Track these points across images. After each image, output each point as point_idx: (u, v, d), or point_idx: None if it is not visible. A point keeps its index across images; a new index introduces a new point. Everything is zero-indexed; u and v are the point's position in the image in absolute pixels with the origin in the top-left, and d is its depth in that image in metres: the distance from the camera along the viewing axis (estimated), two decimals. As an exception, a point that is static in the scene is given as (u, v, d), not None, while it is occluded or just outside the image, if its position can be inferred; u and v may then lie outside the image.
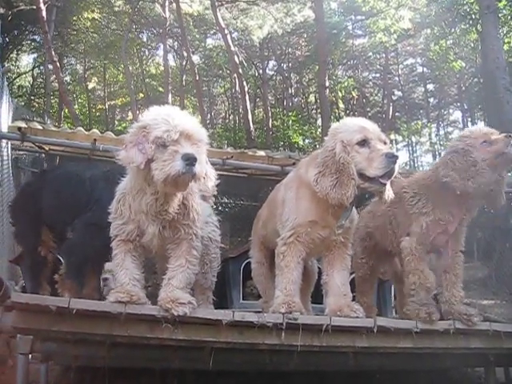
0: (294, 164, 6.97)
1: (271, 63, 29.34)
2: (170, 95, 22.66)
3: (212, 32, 26.34)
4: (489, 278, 14.52)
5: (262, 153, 8.26)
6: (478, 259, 16.42)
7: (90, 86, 28.06)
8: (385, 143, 3.38)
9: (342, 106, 27.53)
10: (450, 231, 3.89)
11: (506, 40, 20.29)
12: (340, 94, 25.23)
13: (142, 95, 26.81)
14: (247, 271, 7.05)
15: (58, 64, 18.69)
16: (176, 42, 26.94)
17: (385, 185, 3.35)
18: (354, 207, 3.67)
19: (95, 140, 7.10)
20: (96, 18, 22.76)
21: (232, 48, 20.00)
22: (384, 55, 29.10)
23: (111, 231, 3.33)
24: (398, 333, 3.34)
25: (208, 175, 3.11)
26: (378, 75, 31.70)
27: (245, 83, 20.82)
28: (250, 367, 3.88)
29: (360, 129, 3.39)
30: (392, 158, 3.23)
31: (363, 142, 3.34)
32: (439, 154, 34.27)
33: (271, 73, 29.42)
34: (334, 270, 3.60)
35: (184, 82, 26.28)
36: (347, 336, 3.30)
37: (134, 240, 3.29)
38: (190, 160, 2.83)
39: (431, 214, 3.80)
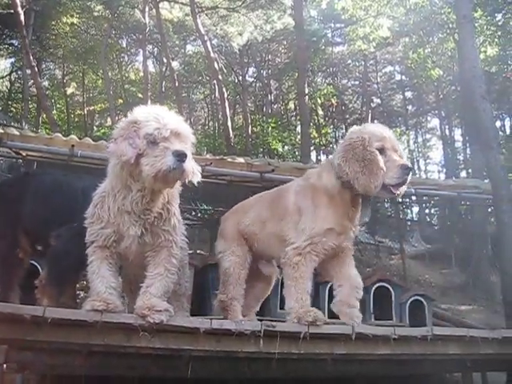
0: (273, 171, 6.99)
1: (251, 70, 29.41)
2: (149, 101, 22.48)
3: (192, 38, 26.28)
4: (466, 284, 14.69)
5: (241, 159, 8.27)
6: (456, 265, 16.60)
7: (69, 91, 27.81)
8: (396, 151, 3.56)
9: (321, 112, 27.61)
10: None
11: (482, 49, 20.58)
12: (319, 101, 25.28)
13: (121, 101, 26.62)
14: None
15: (36, 69, 18.51)
16: (156, 48, 26.84)
17: (395, 194, 3.54)
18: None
19: (73, 146, 7.06)
20: (75, 22, 22.54)
21: (212, 54, 19.98)
22: (363, 63, 29.30)
23: (87, 237, 3.29)
24: (377, 339, 3.35)
25: (195, 171, 3.10)
26: (357, 82, 31.93)
27: (224, 90, 20.79)
28: (228, 375, 3.85)
29: (380, 137, 3.55)
30: (406, 170, 3.45)
31: (381, 150, 3.50)
32: (417, 160, 34.65)
33: (251, 79, 29.44)
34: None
35: (163, 88, 26.18)
36: (326, 343, 3.30)
37: (110, 246, 3.26)
38: (181, 156, 2.90)
39: None
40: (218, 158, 8.44)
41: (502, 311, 8.08)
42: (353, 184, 3.48)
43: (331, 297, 6.83)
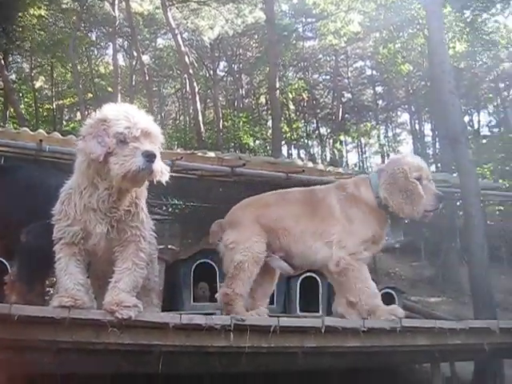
0: (244, 165, 6.97)
1: (222, 64, 29.29)
2: (119, 95, 22.31)
3: (162, 32, 26.08)
4: (435, 277, 14.89)
5: (211, 154, 8.23)
6: (426, 258, 16.81)
7: (37, 84, 27.33)
8: (430, 180, 4.04)
9: (292, 107, 27.70)
10: None
11: (451, 45, 20.80)
12: (290, 96, 25.34)
13: (90, 95, 26.28)
14: (198, 273, 7.05)
15: (2, 62, 18.23)
16: (126, 42, 26.57)
17: (427, 218, 4.04)
18: None
19: (41, 141, 6.94)
20: (43, 14, 22.11)
21: (182, 48, 19.89)
22: (334, 57, 29.42)
23: (54, 234, 3.25)
24: (346, 332, 3.37)
25: (163, 172, 3.09)
26: (327, 77, 32.05)
27: (195, 84, 20.73)
28: (199, 370, 3.85)
29: (418, 167, 4.00)
30: (440, 198, 3.98)
31: (418, 179, 3.94)
32: (387, 155, 34.94)
33: (222, 74, 29.40)
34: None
35: (134, 82, 26.00)
36: (296, 336, 3.31)
37: (78, 243, 3.22)
38: (150, 157, 2.91)
39: None
40: (188, 152, 8.37)
41: (470, 302, 8.21)
42: (397, 213, 3.96)
43: (302, 290, 6.96)
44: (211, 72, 27.50)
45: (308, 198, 4.25)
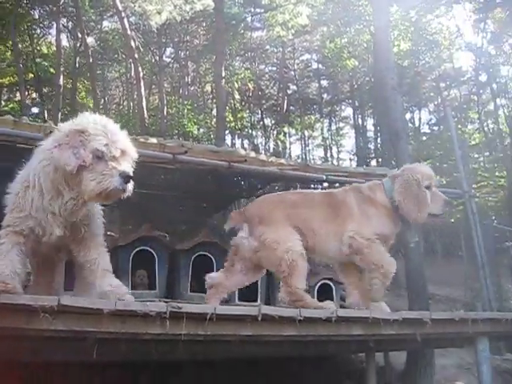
0: (186, 152, 6.90)
1: (168, 50, 28.98)
2: (61, 77, 21.82)
3: (109, 14, 25.52)
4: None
5: (153, 140, 8.08)
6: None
7: (-25, 62, 26.45)
8: (437, 187, 4.61)
9: (237, 97, 27.67)
10: None
11: (396, 43, 21.19)
12: (236, 86, 25.33)
13: (31, 75, 25.54)
14: (137, 260, 6.97)
15: None
16: (70, 22, 25.87)
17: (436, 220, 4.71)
18: None
19: (-24, 121, 6.70)
20: (-18, -11, 21.41)
21: (129, 32, 19.59)
22: (281, 49, 29.54)
23: (4, 221, 3.22)
24: (282, 321, 3.38)
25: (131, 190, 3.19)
26: (274, 69, 32.20)
27: (140, 69, 20.47)
28: (135, 357, 3.80)
29: (429, 176, 4.53)
30: (447, 203, 4.56)
31: (428, 187, 4.47)
32: (330, 148, 35.39)
33: (168, 60, 29.04)
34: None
35: (77, 64, 25.35)
36: (232, 324, 3.30)
37: (26, 235, 3.21)
38: (127, 178, 3.02)
39: None
40: (130, 137, 8.22)
41: (406, 295, 8.42)
42: (406, 217, 4.45)
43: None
44: (157, 58, 27.17)
45: (330, 200, 4.59)
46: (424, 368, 7.14)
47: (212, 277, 4.40)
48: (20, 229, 3.18)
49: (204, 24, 26.09)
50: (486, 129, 31.68)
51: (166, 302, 3.33)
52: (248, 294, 7.12)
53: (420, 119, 33.47)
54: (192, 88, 31.37)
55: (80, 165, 2.97)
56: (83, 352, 3.27)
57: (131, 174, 3.05)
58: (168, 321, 3.12)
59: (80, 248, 3.41)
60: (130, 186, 3.07)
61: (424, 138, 28.50)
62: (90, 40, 23.71)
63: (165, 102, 24.19)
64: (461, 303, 12.23)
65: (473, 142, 29.62)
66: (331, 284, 7.67)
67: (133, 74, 22.01)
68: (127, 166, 3.08)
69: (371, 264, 4.26)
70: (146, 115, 19.67)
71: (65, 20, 25.21)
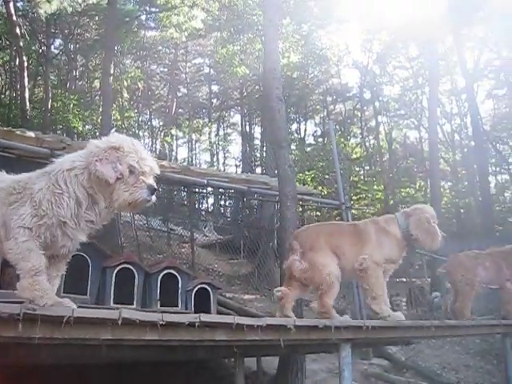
0: (64, 148, 6.71)
1: (58, 41, 27.97)
2: None
3: (-7, -3, 24.31)
4: (252, 275, 15.42)
5: (31, 134, 7.80)
6: (244, 256, 17.35)
7: None
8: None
9: (126, 95, 27.23)
10: None
11: (286, 54, 21.72)
12: (126, 84, 24.91)
13: None
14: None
15: None
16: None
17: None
18: None
19: None
20: None
21: (14, 18, 18.78)
22: (174, 51, 29.40)
23: (27, 222, 3.24)
24: (144, 325, 3.35)
25: None
26: (165, 70, 32.00)
27: (25, 58, 19.67)
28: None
29: (433, 215, 5.47)
30: (444, 238, 5.45)
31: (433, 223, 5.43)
32: (217, 153, 35.63)
33: (56, 51, 28.01)
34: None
35: (-44, 48, 23.99)
36: (91, 328, 3.21)
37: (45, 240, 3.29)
38: (153, 191, 3.37)
39: None
40: (5, 129, 7.89)
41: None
42: (423, 246, 5.63)
43: (117, 281, 6.87)
44: (44, 48, 26.11)
45: (355, 230, 5.52)
46: (295, 373, 7.28)
47: (280, 290, 5.29)
48: (44, 237, 3.27)
49: (97, 18, 25.41)
50: (367, 144, 33.25)
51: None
52: (124, 296, 7.01)
53: (306, 130, 34.51)
54: (80, 83, 30.51)
55: (117, 177, 3.28)
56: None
57: (156, 187, 3.39)
58: (21, 323, 2.99)
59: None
60: (154, 197, 3.41)
61: (308, 149, 29.38)
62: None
63: (50, 94, 23.29)
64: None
65: (354, 156, 30.95)
66: (209, 288, 7.72)
67: (17, 62, 21.07)
68: (152, 181, 3.41)
69: (366, 285, 5.22)
70: (27, 107, 18.88)
71: None
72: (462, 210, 28.15)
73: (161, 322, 3.36)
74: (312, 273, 5.13)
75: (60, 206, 3.28)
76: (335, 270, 5.11)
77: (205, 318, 3.60)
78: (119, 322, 3.20)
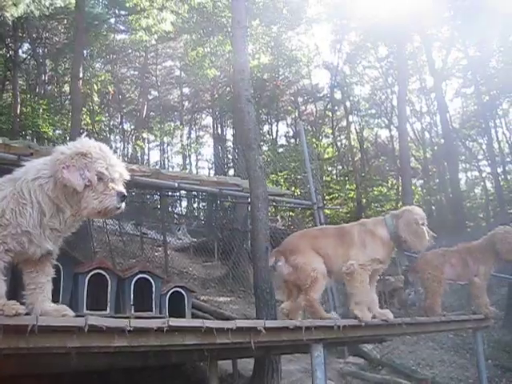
0: (31, 154, 6.63)
1: (26, 46, 27.60)
2: None
3: (-44, 0, 23.90)
4: (226, 277, 15.40)
5: (-2, 140, 7.69)
6: (218, 259, 17.32)
7: None
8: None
9: (96, 99, 27.03)
10: None
11: (256, 56, 21.78)
12: (96, 88, 24.72)
13: None
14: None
15: None
16: None
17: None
18: None
19: None
20: None
21: (-20, 22, 18.50)
22: (144, 54, 29.27)
23: None
24: (112, 331, 3.32)
25: None
26: (136, 73, 31.83)
27: (-8, 63, 19.39)
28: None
29: (422, 217, 5.49)
30: (433, 239, 5.49)
31: (422, 224, 5.43)
32: (189, 156, 35.54)
33: (24, 56, 27.66)
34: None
35: None
36: (57, 336, 3.17)
37: (15, 252, 3.25)
38: (123, 198, 3.32)
39: None
40: (-30, 135, 7.76)
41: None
42: (410, 247, 5.52)
43: (90, 287, 6.80)
44: (12, 52, 25.76)
45: (339, 232, 5.60)
46: (271, 374, 7.27)
47: (284, 307, 5.37)
48: (11, 246, 3.21)
49: (65, 21, 25.17)
50: (338, 144, 33.46)
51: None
52: (97, 303, 6.95)
53: (277, 131, 34.61)
54: (49, 87, 30.16)
55: (85, 184, 3.23)
56: None
57: (126, 194, 3.34)
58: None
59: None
60: (124, 204, 3.36)
61: (281, 150, 29.46)
62: None
63: (19, 99, 23.01)
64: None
65: (326, 156, 31.14)
66: (183, 292, 7.68)
67: (-17, 67, 20.79)
68: (122, 187, 3.36)
69: (350, 289, 5.23)
70: (-5, 113, 18.63)
71: None
72: (433, 207, 28.48)
73: (128, 328, 3.33)
74: (297, 273, 5.26)
75: (23, 215, 3.21)
76: (320, 267, 5.21)
77: (173, 322, 3.58)
78: (85, 329, 3.18)
